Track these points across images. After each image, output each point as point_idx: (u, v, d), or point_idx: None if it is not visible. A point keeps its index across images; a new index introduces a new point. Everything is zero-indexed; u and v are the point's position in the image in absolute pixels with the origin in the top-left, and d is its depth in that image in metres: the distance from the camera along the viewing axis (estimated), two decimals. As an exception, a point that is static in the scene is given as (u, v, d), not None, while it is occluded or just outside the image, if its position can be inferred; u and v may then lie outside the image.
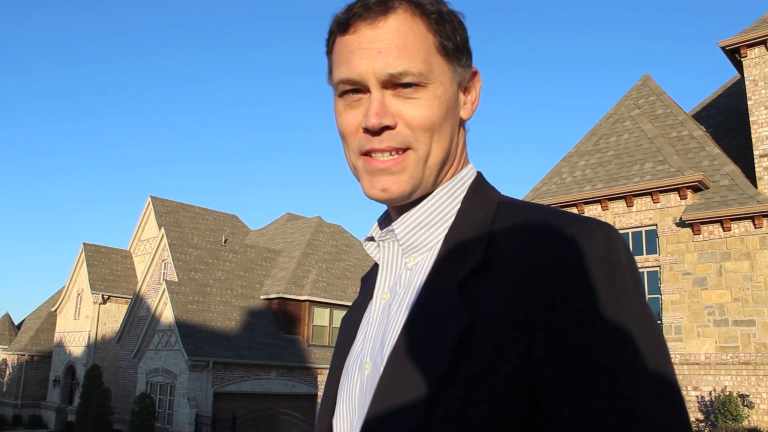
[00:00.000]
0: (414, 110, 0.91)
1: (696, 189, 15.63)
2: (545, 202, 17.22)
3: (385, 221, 1.05)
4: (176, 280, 28.13)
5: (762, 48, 16.06)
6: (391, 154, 0.92)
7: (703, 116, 20.09)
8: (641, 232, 16.27)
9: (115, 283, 36.18)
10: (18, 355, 40.17)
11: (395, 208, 0.99)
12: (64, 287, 38.30)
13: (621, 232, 16.83)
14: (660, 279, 15.63)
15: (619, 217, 16.51)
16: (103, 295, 35.31)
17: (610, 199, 16.62)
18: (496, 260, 0.83)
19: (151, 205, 35.60)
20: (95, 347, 34.80)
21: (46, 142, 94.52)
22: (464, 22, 0.97)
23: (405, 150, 0.92)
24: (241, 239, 35.40)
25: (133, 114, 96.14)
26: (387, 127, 0.91)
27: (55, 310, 38.62)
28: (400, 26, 0.91)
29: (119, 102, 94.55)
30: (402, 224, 0.96)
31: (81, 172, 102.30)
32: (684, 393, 14.64)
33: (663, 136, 17.17)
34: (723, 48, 16.64)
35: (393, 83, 0.91)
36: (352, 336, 1.04)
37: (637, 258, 16.14)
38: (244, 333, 27.44)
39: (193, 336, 25.53)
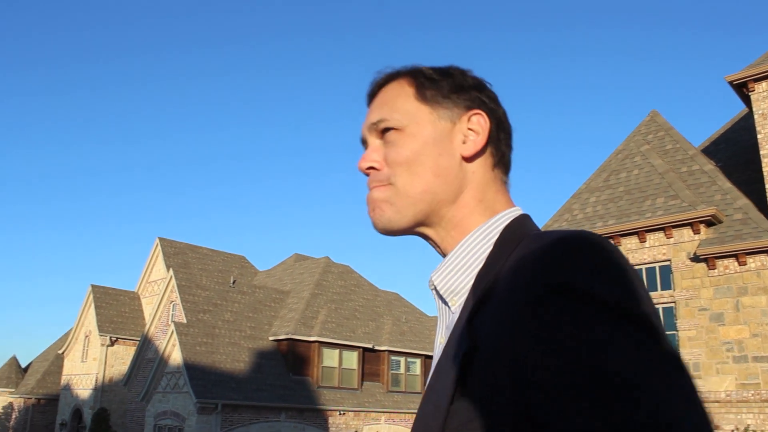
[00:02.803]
0: (393, 150, 1.04)
1: (709, 223, 15.53)
2: (557, 238, 17.13)
3: None
4: (185, 321, 27.97)
5: (770, 82, 16.11)
6: None
7: (712, 151, 20.07)
8: (655, 267, 16.13)
9: (123, 324, 36.00)
10: (25, 398, 39.80)
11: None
12: (71, 329, 38.10)
13: (634, 268, 16.71)
14: (676, 315, 15.43)
15: (632, 253, 16.38)
16: (110, 337, 35.10)
17: (622, 235, 16.52)
18: (495, 291, 0.85)
19: (159, 247, 35.60)
20: (102, 390, 34.46)
21: (53, 184, 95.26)
22: (461, 75, 1.09)
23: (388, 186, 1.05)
24: (250, 280, 35.28)
25: (141, 155, 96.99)
26: (373, 169, 1.06)
27: (63, 353, 38.37)
28: (388, 89, 1.09)
29: (127, 143, 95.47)
30: (438, 273, 1.01)
31: (89, 214, 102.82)
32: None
33: (673, 171, 17.13)
34: (730, 82, 16.71)
35: (378, 131, 1.07)
36: None
37: (651, 294, 15.97)
38: (253, 375, 27.15)
39: (201, 378, 25.27)
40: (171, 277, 30.67)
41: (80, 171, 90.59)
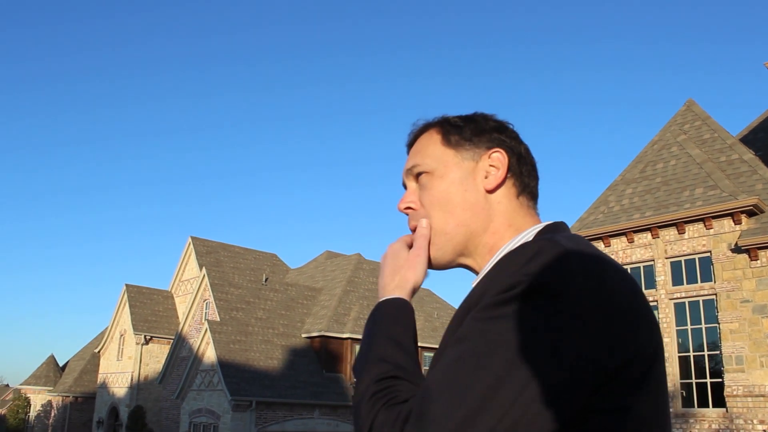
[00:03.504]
0: (426, 193, 1.21)
1: (751, 213, 15.12)
2: (592, 231, 16.84)
3: None
4: (218, 319, 28.14)
5: (813, 67, 15.63)
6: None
7: (750, 139, 19.54)
8: (695, 259, 15.76)
9: (157, 323, 36.37)
10: (63, 396, 40.45)
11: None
12: (107, 328, 38.62)
13: (673, 260, 16.38)
14: (717, 307, 15.06)
15: (670, 244, 16.04)
16: (145, 336, 35.49)
17: (660, 227, 16.17)
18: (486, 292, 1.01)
19: (191, 246, 35.87)
20: (138, 388, 34.86)
21: (87, 185, 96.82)
22: (483, 120, 1.25)
23: None
24: (281, 278, 35.39)
25: (177, 162, 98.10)
26: (411, 209, 1.23)
27: (99, 351, 38.91)
28: (422, 139, 1.27)
29: (159, 143, 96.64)
30: (475, 281, 1.15)
31: (123, 217, 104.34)
32: (750, 427, 13.98)
33: (712, 161, 16.73)
34: (771, 69, 16.25)
35: (413, 175, 1.24)
36: None
37: (691, 286, 15.63)
38: (286, 372, 27.23)
39: (235, 376, 25.40)
40: (204, 275, 30.88)
41: (112, 169, 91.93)
